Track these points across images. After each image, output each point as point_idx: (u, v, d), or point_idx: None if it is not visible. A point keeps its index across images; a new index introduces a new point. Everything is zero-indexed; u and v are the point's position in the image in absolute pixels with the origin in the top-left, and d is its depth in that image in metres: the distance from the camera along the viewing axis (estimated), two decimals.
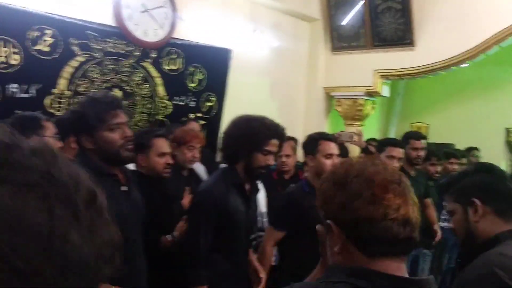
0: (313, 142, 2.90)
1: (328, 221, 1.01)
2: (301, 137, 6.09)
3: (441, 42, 5.29)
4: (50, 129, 2.30)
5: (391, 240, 0.95)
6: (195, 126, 4.44)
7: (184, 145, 3.11)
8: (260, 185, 3.81)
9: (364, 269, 0.95)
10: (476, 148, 6.10)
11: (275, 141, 2.29)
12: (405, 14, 5.38)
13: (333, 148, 2.85)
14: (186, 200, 2.93)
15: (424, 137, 4.16)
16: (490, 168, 1.52)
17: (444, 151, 5.37)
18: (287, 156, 4.28)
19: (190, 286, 2.20)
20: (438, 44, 5.30)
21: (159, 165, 2.67)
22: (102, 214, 0.48)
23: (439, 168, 4.49)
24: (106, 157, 1.88)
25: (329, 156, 2.81)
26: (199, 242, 2.21)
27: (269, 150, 2.29)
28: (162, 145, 2.70)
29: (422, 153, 3.95)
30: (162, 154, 2.69)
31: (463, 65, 5.41)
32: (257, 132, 2.26)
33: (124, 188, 1.96)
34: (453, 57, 5.24)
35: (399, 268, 0.97)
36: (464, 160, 5.33)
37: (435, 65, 5.39)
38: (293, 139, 5.08)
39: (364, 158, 1.05)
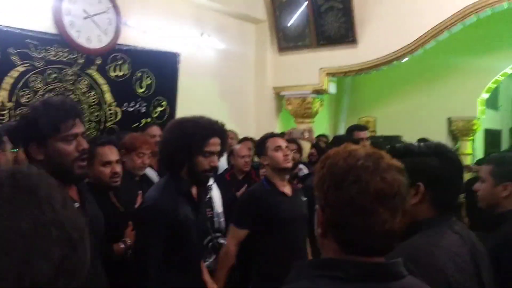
0: (262, 142, 3.05)
1: (316, 205, 1.06)
2: (254, 137, 6.19)
3: (382, 39, 5.50)
4: (7, 143, 2.21)
5: (369, 247, 1.00)
6: (155, 130, 4.36)
7: (133, 151, 3.06)
8: (214, 185, 3.83)
9: (335, 259, 1.00)
10: (425, 139, 6.34)
11: (215, 140, 2.13)
12: (346, 13, 5.56)
13: (280, 141, 2.99)
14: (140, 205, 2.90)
15: (367, 128, 4.34)
16: (447, 155, 1.49)
17: (391, 147, 5.56)
18: (248, 156, 4.34)
19: None
20: (379, 41, 5.51)
21: (104, 175, 2.55)
22: None
23: None
24: (57, 171, 1.61)
25: (277, 148, 2.94)
26: (149, 259, 2.05)
27: (210, 150, 2.13)
28: (107, 153, 2.57)
29: (367, 143, 4.10)
30: (107, 163, 2.57)
31: (403, 60, 5.64)
32: (193, 134, 2.09)
33: (76, 205, 1.76)
34: (393, 52, 5.47)
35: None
36: None
37: (377, 61, 5.60)
38: (250, 139, 5.13)
39: (369, 155, 1.03)
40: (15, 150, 2.24)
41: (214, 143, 2.14)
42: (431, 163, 1.46)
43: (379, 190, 0.96)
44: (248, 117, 6.35)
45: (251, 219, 2.83)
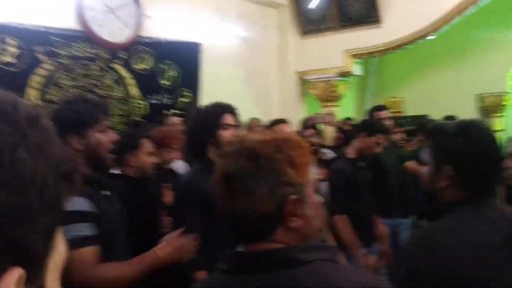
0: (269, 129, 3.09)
1: None
2: None
3: (406, 17, 5.36)
4: None
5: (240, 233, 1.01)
6: (175, 121, 4.42)
7: (163, 147, 3.10)
8: None
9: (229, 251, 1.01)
10: (453, 117, 6.19)
11: (228, 116, 2.33)
12: None
13: (286, 128, 3.07)
14: (168, 197, 2.94)
15: (386, 107, 4.29)
16: (470, 133, 1.37)
17: (421, 123, 5.46)
18: None
19: (189, 273, 2.20)
20: (403, 19, 5.38)
21: (148, 164, 2.70)
22: (49, 134, 0.46)
23: (401, 135, 4.63)
24: (93, 160, 1.80)
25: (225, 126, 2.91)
26: (192, 229, 2.16)
27: (227, 123, 2.32)
28: (149, 145, 2.74)
29: (388, 122, 4.05)
30: (150, 154, 2.73)
31: (429, 38, 5.50)
32: (207, 112, 2.34)
33: (108, 193, 1.91)
34: (418, 30, 5.34)
35: None
36: None
37: (402, 40, 5.48)
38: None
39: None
40: None
41: (229, 118, 2.34)
42: (456, 143, 1.36)
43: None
44: (272, 103, 6.33)
45: None
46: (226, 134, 2.29)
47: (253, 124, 5.59)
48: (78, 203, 1.63)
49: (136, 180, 2.61)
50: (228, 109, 2.37)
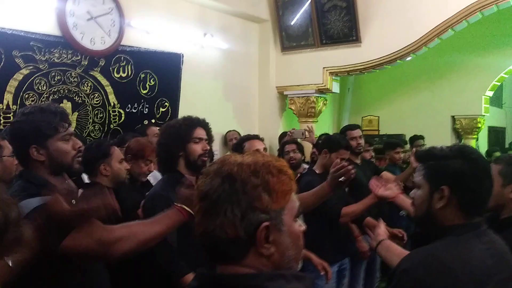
0: (239, 144, 3.02)
1: None
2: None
3: (385, 37, 5.48)
4: (7, 147, 2.23)
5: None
6: (156, 131, 4.38)
7: (141, 158, 3.07)
8: None
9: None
10: (421, 137, 6.30)
11: (199, 130, 2.37)
12: (350, 11, 5.54)
13: (257, 144, 2.97)
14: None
15: (359, 126, 4.40)
16: (471, 156, 1.45)
17: (387, 141, 5.60)
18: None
19: (177, 280, 2.17)
20: (383, 40, 5.50)
21: (121, 172, 2.75)
22: None
23: (401, 156, 4.76)
24: (59, 168, 1.81)
25: (255, 152, 2.91)
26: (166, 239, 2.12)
27: (199, 137, 2.36)
28: (119, 152, 2.79)
29: (361, 141, 4.19)
30: (122, 161, 2.78)
31: (407, 59, 5.63)
32: (179, 126, 2.35)
33: (74, 202, 1.84)
34: (397, 51, 5.45)
35: None
36: (407, 148, 5.63)
37: (381, 60, 5.59)
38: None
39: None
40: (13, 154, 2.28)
41: (200, 131, 2.39)
42: (455, 166, 1.42)
43: None
44: (251, 117, 6.35)
45: None
46: (197, 148, 2.33)
47: (230, 137, 5.60)
48: (34, 201, 1.60)
49: (114, 191, 2.57)
50: (199, 122, 2.41)
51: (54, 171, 1.80)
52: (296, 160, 4.24)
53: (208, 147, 2.41)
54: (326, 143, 3.68)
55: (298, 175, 4.20)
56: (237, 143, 3.10)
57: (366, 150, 4.60)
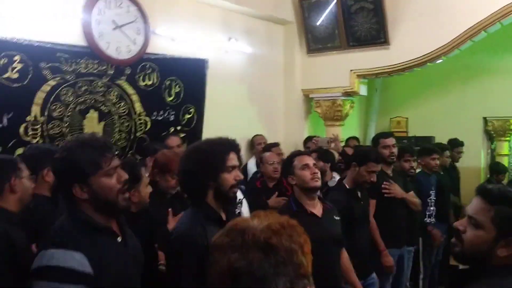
0: (289, 161, 2.96)
1: None
2: (282, 141, 6.14)
3: (415, 40, 5.32)
4: (24, 170, 2.23)
5: None
6: (175, 140, 4.39)
7: (167, 172, 3.03)
8: (244, 201, 3.79)
9: None
10: (461, 143, 6.04)
11: (233, 155, 2.12)
12: (378, 13, 5.39)
13: (307, 159, 2.91)
14: (171, 223, 2.86)
15: (392, 134, 4.25)
16: None
17: (423, 147, 5.41)
18: (278, 162, 4.29)
19: None
20: (412, 42, 5.34)
21: (147, 196, 2.62)
22: None
23: (413, 164, 4.50)
24: (103, 206, 1.71)
25: (304, 166, 2.86)
26: None
27: (232, 165, 2.10)
28: (146, 175, 2.67)
29: (394, 150, 4.04)
30: (148, 184, 2.66)
31: (438, 61, 5.46)
32: (212, 152, 2.07)
33: (119, 239, 1.78)
34: (427, 53, 5.29)
35: None
36: (447, 153, 5.36)
37: (410, 63, 5.44)
38: (277, 144, 5.10)
39: None
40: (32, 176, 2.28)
41: (233, 158, 2.12)
42: None
43: None
44: (277, 121, 6.28)
45: None
46: (230, 178, 2.08)
47: (258, 141, 5.55)
48: (71, 259, 1.52)
49: (135, 215, 2.50)
50: (232, 147, 2.15)
51: (99, 209, 1.71)
52: (319, 169, 4.14)
53: (242, 177, 2.18)
54: (355, 157, 3.61)
55: (324, 187, 4.13)
56: (287, 161, 3.03)
57: (406, 160, 4.38)
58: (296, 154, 3.00)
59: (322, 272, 2.62)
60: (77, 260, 1.53)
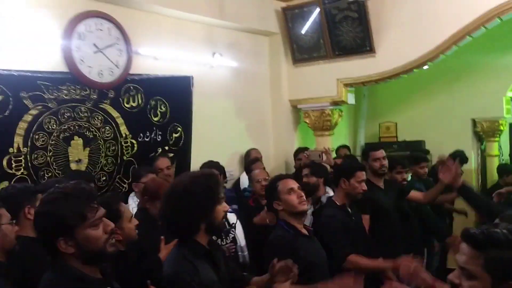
0: (272, 186, 2.87)
1: None
2: (273, 153, 6.07)
3: (400, 47, 5.30)
4: (4, 216, 2.15)
5: None
6: (164, 162, 4.32)
7: (157, 199, 2.95)
8: (238, 224, 3.73)
9: None
10: (461, 153, 5.75)
11: (221, 181, 2.12)
12: (362, 22, 5.36)
13: (291, 183, 2.83)
14: (163, 252, 2.80)
15: (382, 147, 4.20)
16: None
17: (411, 155, 5.39)
18: (265, 179, 4.22)
19: None
20: (398, 49, 5.32)
21: (132, 231, 2.52)
22: None
23: (405, 176, 4.47)
24: (91, 258, 1.64)
25: (290, 191, 2.78)
26: None
27: (222, 196, 2.08)
28: (128, 210, 2.57)
29: (385, 162, 4.02)
30: (131, 219, 2.56)
31: (424, 67, 5.44)
32: (206, 188, 2.01)
33: None
34: (413, 60, 5.27)
35: None
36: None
37: (396, 70, 5.42)
38: (257, 160, 5.07)
39: None
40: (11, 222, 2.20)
41: (221, 186, 2.13)
42: None
43: None
44: (266, 133, 6.21)
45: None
46: (221, 210, 2.04)
47: (254, 154, 5.48)
48: None
49: (123, 253, 2.42)
50: (221, 172, 2.13)
51: (87, 261, 1.64)
52: (310, 185, 4.09)
53: (228, 207, 2.15)
54: (340, 172, 3.56)
55: (317, 202, 4.08)
56: (270, 186, 2.92)
57: (398, 171, 4.35)
58: (278, 178, 2.91)
59: None
60: None
